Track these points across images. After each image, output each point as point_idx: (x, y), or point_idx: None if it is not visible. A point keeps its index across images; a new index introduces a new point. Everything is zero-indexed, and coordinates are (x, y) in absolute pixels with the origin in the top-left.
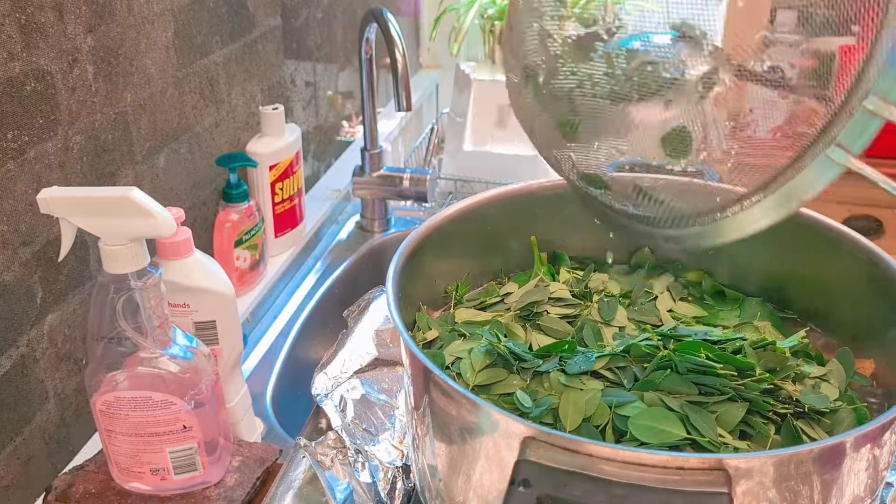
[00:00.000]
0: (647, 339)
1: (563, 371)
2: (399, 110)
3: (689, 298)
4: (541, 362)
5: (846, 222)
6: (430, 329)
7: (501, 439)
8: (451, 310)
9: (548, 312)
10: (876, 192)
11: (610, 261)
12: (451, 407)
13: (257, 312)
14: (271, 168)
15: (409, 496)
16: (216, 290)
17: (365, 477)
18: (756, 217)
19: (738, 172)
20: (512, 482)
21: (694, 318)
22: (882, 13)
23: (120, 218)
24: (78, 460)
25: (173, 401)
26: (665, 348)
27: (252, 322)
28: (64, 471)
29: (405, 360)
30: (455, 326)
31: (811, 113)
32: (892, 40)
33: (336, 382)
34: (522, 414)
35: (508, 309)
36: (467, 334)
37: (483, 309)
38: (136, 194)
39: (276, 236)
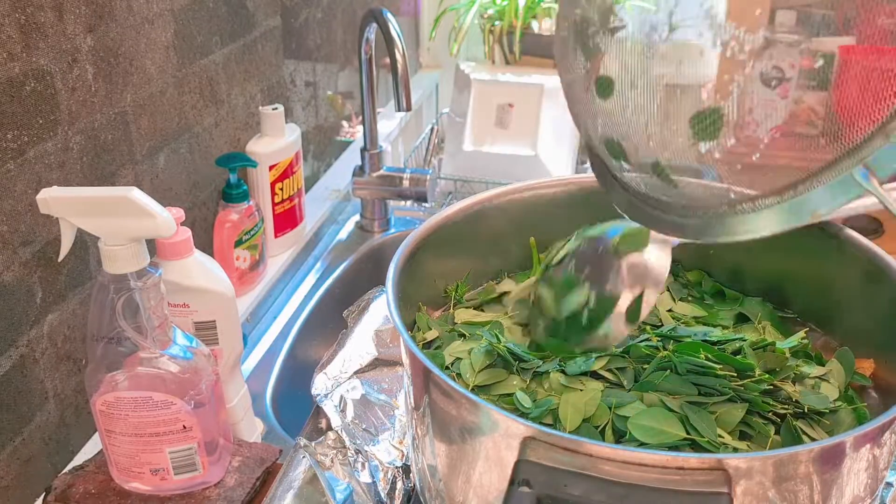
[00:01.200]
0: (646, 339)
1: (562, 372)
2: (399, 110)
3: (689, 298)
4: (541, 363)
5: (846, 222)
6: (430, 329)
7: (501, 439)
8: (451, 310)
9: None
10: None
11: None
12: (451, 407)
13: (257, 312)
14: (271, 168)
15: (408, 496)
16: (216, 290)
17: (365, 477)
18: (764, 222)
19: (758, 172)
20: (512, 482)
21: (694, 318)
22: None
23: (120, 218)
24: (78, 460)
25: (173, 401)
26: (664, 349)
27: (252, 322)
28: (64, 471)
29: (405, 360)
30: (455, 327)
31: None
32: None
33: (336, 382)
34: (522, 414)
35: (506, 312)
36: (467, 335)
37: (480, 309)
38: (136, 194)
39: (275, 236)
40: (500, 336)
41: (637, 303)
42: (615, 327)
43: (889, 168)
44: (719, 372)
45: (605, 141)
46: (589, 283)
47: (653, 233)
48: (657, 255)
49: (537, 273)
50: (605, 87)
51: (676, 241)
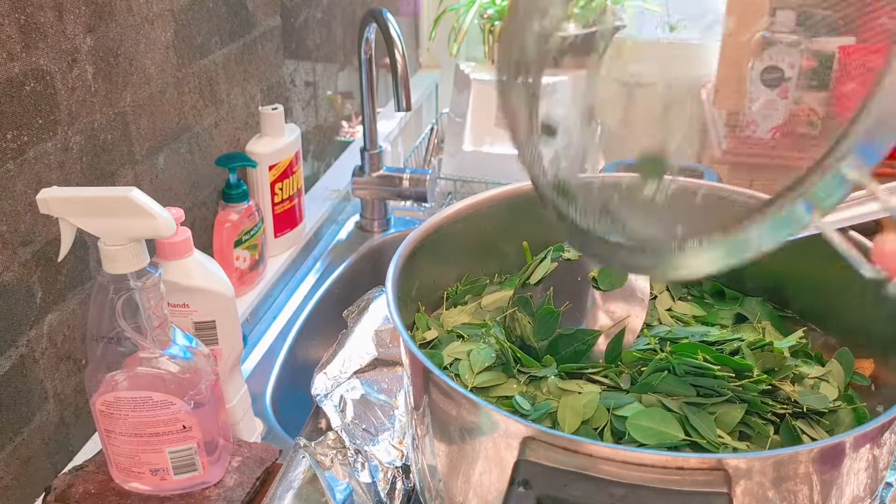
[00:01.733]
0: (644, 342)
1: (560, 376)
2: (399, 110)
3: (689, 298)
4: (541, 367)
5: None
6: (430, 329)
7: (501, 439)
8: (443, 312)
9: None
10: None
11: None
12: (451, 407)
13: (257, 312)
14: (271, 168)
15: (408, 496)
16: (216, 290)
17: (364, 477)
18: (709, 258)
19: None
20: (512, 482)
21: (693, 317)
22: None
23: (119, 218)
24: (77, 460)
25: (173, 401)
26: (662, 350)
27: (252, 322)
28: (63, 471)
29: (405, 360)
30: (453, 328)
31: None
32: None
33: (336, 382)
34: (521, 417)
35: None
36: (465, 336)
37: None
38: (136, 194)
39: (275, 236)
40: (509, 335)
41: (620, 334)
42: (597, 353)
43: (830, 201)
44: (718, 373)
45: (553, 185)
46: (570, 317)
47: None
48: (640, 277)
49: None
50: (548, 131)
51: None
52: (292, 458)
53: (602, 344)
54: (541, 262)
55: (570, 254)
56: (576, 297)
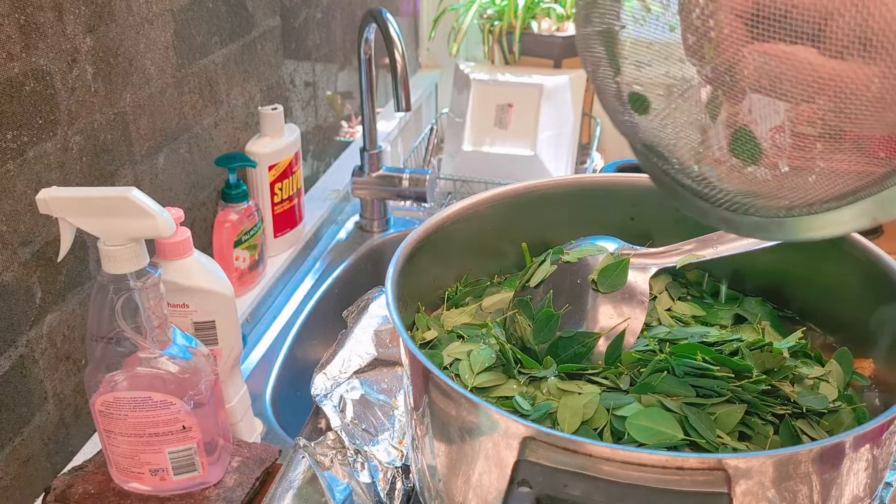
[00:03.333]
0: (644, 343)
1: (560, 376)
2: (398, 110)
3: (688, 298)
4: (541, 368)
5: None
6: (430, 329)
7: (501, 439)
8: (443, 312)
9: None
10: None
11: None
12: (451, 407)
13: (257, 312)
14: (270, 168)
15: (408, 496)
16: (215, 290)
17: (364, 477)
18: (838, 220)
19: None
20: (511, 482)
21: (693, 317)
22: None
23: (119, 218)
24: (77, 461)
25: (172, 401)
26: (661, 351)
27: (251, 322)
28: (63, 471)
29: (404, 360)
30: (453, 328)
31: None
32: None
33: (335, 383)
34: (521, 417)
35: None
36: (465, 336)
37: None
38: (136, 194)
39: (275, 236)
40: (509, 337)
41: (620, 336)
42: (597, 354)
43: None
44: (717, 373)
45: (645, 146)
46: (570, 320)
47: (631, 259)
48: (640, 278)
49: (514, 285)
50: (638, 104)
51: (655, 267)
52: (292, 459)
53: (602, 346)
54: (540, 264)
55: (570, 256)
56: (575, 299)
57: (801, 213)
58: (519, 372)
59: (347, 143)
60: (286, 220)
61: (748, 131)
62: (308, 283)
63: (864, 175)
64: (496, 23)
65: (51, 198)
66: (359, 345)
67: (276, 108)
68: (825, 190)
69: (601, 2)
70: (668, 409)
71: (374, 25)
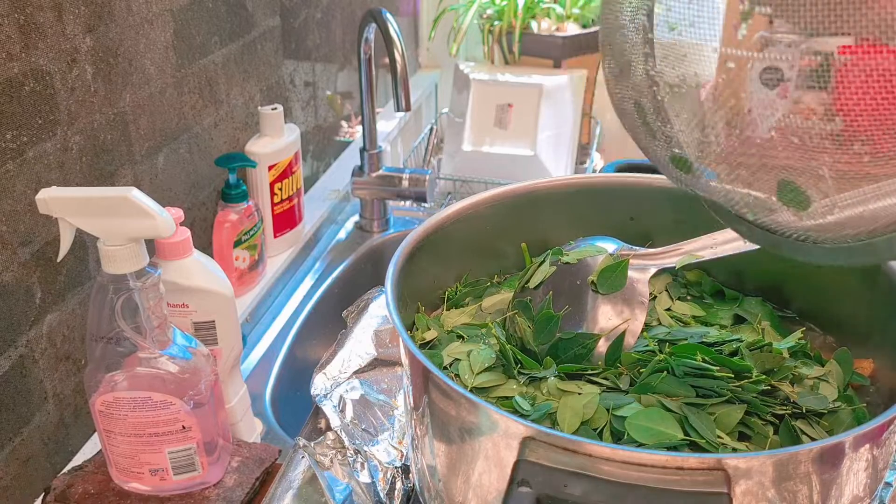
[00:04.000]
0: (643, 344)
1: (560, 376)
2: (398, 110)
3: (688, 298)
4: (541, 368)
5: None
6: (429, 329)
7: (501, 439)
8: (443, 312)
9: None
10: None
11: None
12: (451, 407)
13: (256, 312)
14: (270, 168)
15: (408, 496)
16: (215, 290)
17: (364, 477)
18: None
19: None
20: (511, 482)
21: (693, 317)
22: None
23: (119, 218)
24: (77, 461)
25: (172, 401)
26: (661, 352)
27: (251, 322)
28: (63, 471)
29: (404, 360)
30: (453, 328)
31: None
32: None
33: (335, 383)
34: (521, 417)
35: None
36: (465, 336)
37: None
38: (135, 194)
39: (275, 236)
40: (509, 338)
41: (620, 337)
42: (597, 355)
43: None
44: (717, 373)
45: (707, 201)
46: (570, 321)
47: (630, 260)
48: (639, 278)
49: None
50: (681, 164)
51: (655, 268)
52: (292, 459)
53: (602, 347)
54: (539, 265)
55: (569, 257)
56: (575, 300)
57: (868, 238)
58: (519, 372)
59: (347, 143)
60: (286, 220)
61: (790, 182)
62: (308, 283)
63: None
64: (496, 23)
65: (51, 198)
66: (359, 345)
67: (275, 108)
68: (882, 218)
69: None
70: (668, 410)
71: (373, 25)
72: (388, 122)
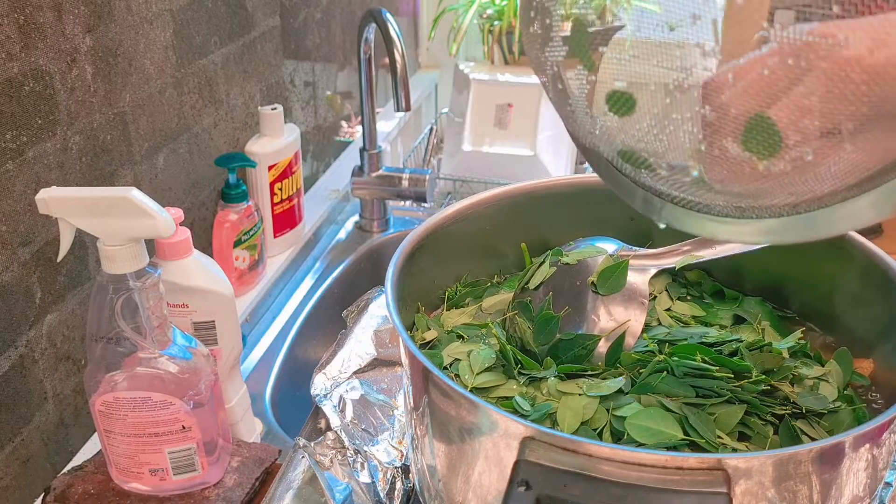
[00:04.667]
0: (643, 344)
1: (560, 377)
2: (398, 110)
3: (688, 298)
4: (541, 369)
5: None
6: (429, 329)
7: (501, 439)
8: (443, 312)
9: None
10: None
11: None
12: (451, 407)
13: (256, 313)
14: (270, 168)
15: (408, 496)
16: (215, 290)
17: (364, 477)
18: (858, 210)
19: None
20: (511, 482)
21: (693, 317)
22: None
23: (119, 218)
24: (77, 461)
25: (172, 401)
26: (661, 352)
27: (251, 322)
28: (63, 471)
29: (404, 360)
30: (454, 328)
31: None
32: None
33: (335, 383)
34: (521, 417)
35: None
36: (465, 336)
37: (460, 307)
38: (135, 194)
39: (274, 236)
40: (509, 339)
41: (620, 338)
42: (597, 356)
43: None
44: (717, 374)
45: (623, 154)
46: (570, 322)
47: (630, 260)
48: (639, 279)
49: (514, 287)
50: (620, 103)
51: (655, 268)
52: (292, 459)
53: (602, 348)
54: (539, 266)
55: (569, 258)
56: (575, 301)
57: (810, 209)
58: (519, 373)
59: (347, 143)
60: (286, 220)
61: (766, 119)
62: (308, 283)
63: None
64: (496, 23)
65: (50, 198)
66: (358, 345)
67: (275, 108)
68: (838, 178)
69: None
70: (668, 410)
71: (373, 25)
72: (387, 122)
